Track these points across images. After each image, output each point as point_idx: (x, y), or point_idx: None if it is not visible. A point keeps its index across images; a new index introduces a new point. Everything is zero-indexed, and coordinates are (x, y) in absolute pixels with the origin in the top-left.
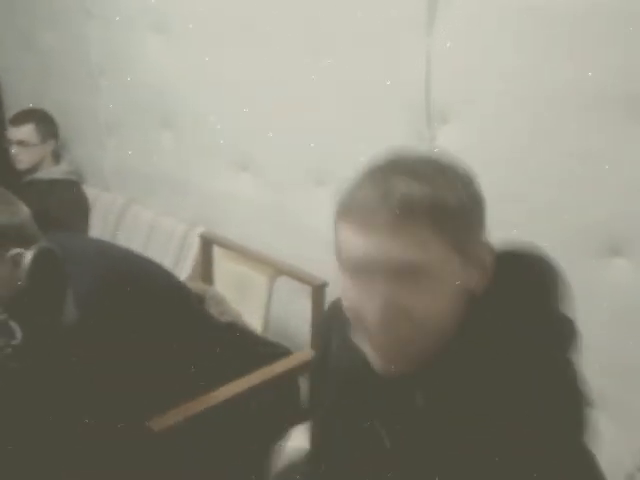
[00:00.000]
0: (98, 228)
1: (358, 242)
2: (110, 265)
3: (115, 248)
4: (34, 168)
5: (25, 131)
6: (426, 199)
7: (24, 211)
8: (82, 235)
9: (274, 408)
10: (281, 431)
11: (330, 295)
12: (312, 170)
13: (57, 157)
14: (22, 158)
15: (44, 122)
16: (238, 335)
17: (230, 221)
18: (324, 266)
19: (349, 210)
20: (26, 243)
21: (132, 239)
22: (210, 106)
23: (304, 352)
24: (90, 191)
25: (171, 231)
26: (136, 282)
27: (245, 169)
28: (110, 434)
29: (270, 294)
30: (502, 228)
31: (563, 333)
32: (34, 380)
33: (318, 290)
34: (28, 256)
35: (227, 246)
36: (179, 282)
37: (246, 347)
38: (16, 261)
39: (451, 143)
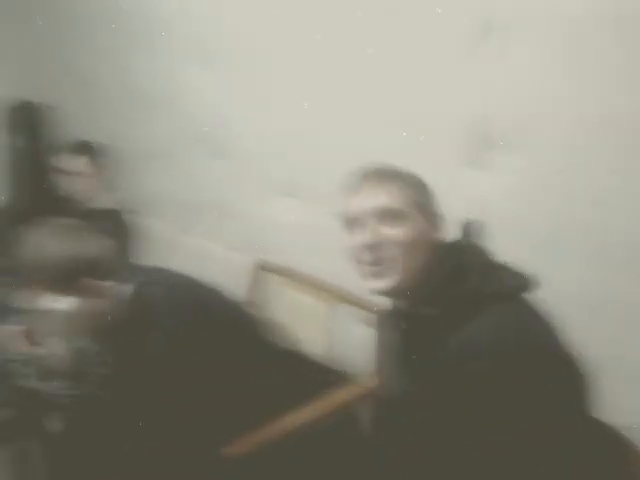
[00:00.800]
0: (149, 256)
1: (354, 202)
2: (189, 296)
3: (190, 279)
4: (88, 198)
5: (81, 162)
6: (394, 173)
7: (109, 244)
8: (155, 266)
9: (334, 436)
10: (340, 460)
11: None
12: None
13: (110, 187)
14: (77, 188)
15: (98, 153)
16: (298, 362)
17: (280, 248)
18: None
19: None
20: (110, 276)
21: (183, 267)
22: (253, 134)
23: (367, 379)
24: (140, 220)
25: (221, 259)
26: (211, 312)
27: (295, 195)
28: (186, 458)
29: (330, 321)
30: (560, 253)
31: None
32: (120, 408)
33: None
34: (127, 290)
35: (283, 273)
36: (247, 311)
37: (307, 374)
38: (91, 291)
39: (504, 168)
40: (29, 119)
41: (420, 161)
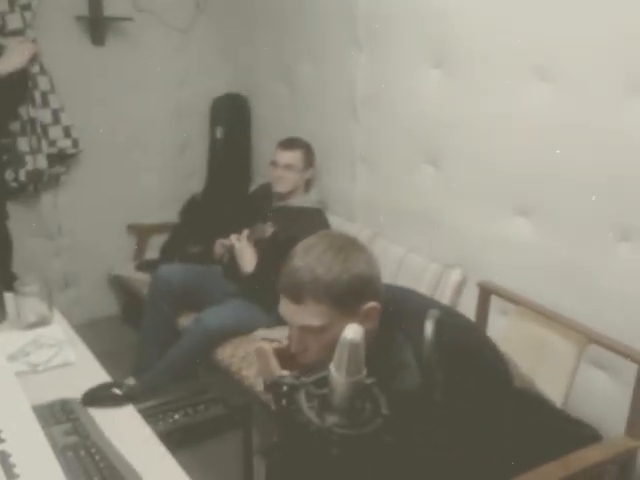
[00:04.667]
0: None
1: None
2: (448, 329)
3: (446, 308)
4: (290, 193)
5: (294, 156)
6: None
7: (377, 261)
8: (412, 291)
9: None
10: None
11: None
12: (614, 223)
13: (309, 186)
14: (286, 181)
15: (308, 150)
16: (536, 405)
17: (497, 268)
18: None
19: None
20: (377, 296)
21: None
22: (485, 147)
23: (620, 439)
24: (335, 220)
25: (422, 270)
26: (470, 352)
27: (524, 214)
28: None
29: (573, 365)
30: None
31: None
32: (403, 454)
33: None
34: (428, 326)
35: (513, 299)
36: (500, 351)
37: (547, 421)
38: (369, 315)
39: None
40: (231, 111)
41: None
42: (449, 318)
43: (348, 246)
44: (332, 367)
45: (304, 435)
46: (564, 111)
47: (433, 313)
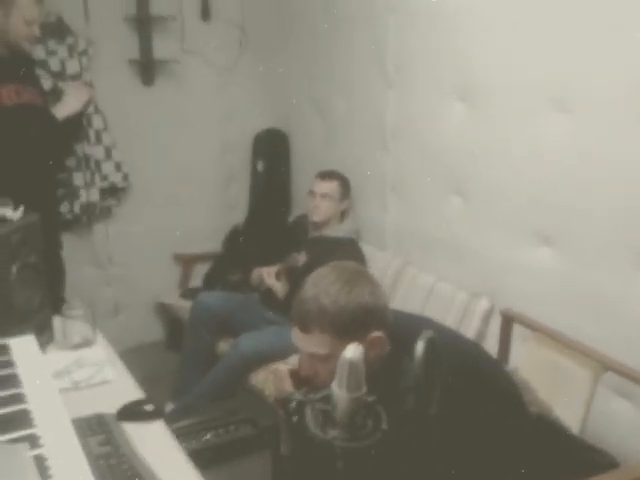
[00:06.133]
0: None
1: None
2: (456, 353)
3: (454, 333)
4: (324, 223)
5: (331, 186)
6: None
7: (384, 292)
8: (423, 318)
9: None
10: None
11: None
12: (634, 251)
13: (344, 216)
14: (322, 210)
15: (345, 182)
16: (552, 432)
17: (521, 296)
18: None
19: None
20: (383, 326)
21: (408, 302)
22: (509, 177)
23: (638, 466)
24: (367, 249)
25: (451, 298)
26: (481, 378)
27: (547, 243)
28: None
29: (591, 392)
30: None
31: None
32: (402, 468)
33: None
34: (419, 345)
35: (533, 327)
36: (510, 376)
37: (563, 448)
38: (374, 344)
39: None
40: (271, 146)
41: None
42: (446, 339)
43: (355, 277)
44: (334, 384)
45: (311, 448)
46: (584, 142)
47: (426, 333)
